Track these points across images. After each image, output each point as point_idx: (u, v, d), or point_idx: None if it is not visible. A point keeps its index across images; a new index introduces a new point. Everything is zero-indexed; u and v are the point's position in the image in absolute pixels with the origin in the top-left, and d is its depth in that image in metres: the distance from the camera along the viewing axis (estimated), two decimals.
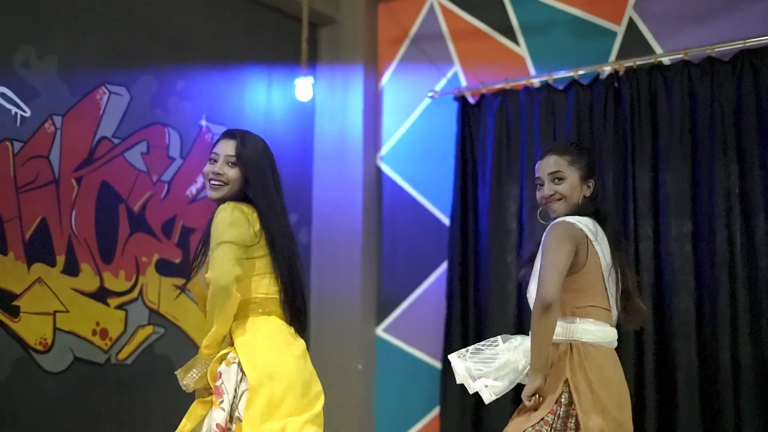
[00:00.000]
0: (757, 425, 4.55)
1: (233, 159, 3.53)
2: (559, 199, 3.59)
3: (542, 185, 3.64)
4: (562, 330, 3.44)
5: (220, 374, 3.34)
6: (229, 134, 3.60)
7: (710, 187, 4.81)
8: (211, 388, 3.37)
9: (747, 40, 4.76)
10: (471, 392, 3.51)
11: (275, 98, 5.97)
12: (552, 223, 3.54)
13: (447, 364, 5.50)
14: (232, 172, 3.53)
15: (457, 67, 5.94)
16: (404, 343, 5.96)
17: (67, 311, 4.60)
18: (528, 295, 3.60)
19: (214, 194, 3.55)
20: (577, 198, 3.61)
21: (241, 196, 3.52)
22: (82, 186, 4.73)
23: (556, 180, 3.60)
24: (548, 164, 3.63)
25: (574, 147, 3.70)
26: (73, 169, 4.69)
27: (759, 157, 4.70)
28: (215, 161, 3.54)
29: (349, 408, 5.92)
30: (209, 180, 3.55)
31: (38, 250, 4.51)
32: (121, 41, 4.99)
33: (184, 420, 3.35)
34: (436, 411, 5.71)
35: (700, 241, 4.83)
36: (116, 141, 4.91)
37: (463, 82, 5.89)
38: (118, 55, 4.97)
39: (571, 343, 3.42)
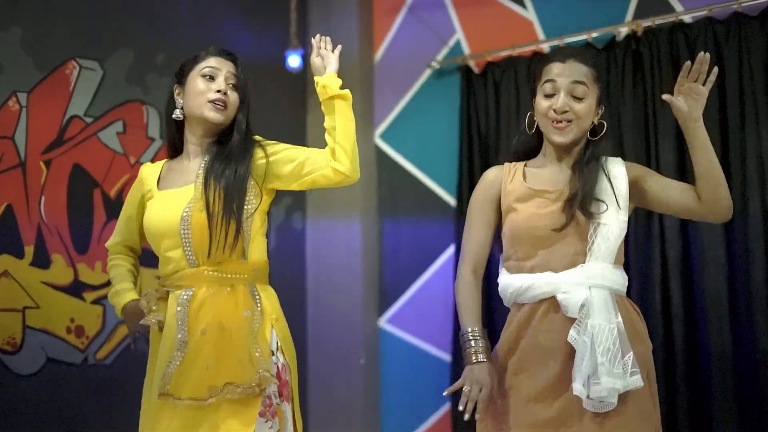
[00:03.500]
0: None
1: (234, 81, 3.16)
2: (571, 121, 2.93)
3: (554, 95, 2.94)
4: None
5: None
6: (225, 52, 3.21)
7: (741, 154, 4.58)
8: None
9: None
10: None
11: (265, 72, 5.69)
12: (629, 162, 3.05)
13: (457, 356, 5.32)
14: (234, 97, 3.15)
15: (459, 35, 5.70)
16: (410, 334, 5.75)
17: (38, 307, 4.41)
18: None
19: (217, 116, 3.10)
20: (587, 126, 2.98)
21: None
22: (52, 169, 4.53)
23: (578, 94, 2.94)
24: (573, 71, 2.94)
25: (597, 62, 3.10)
26: (41, 151, 4.50)
27: None
28: (213, 77, 3.13)
29: (353, 406, 5.74)
30: (211, 100, 3.10)
31: (4, 241, 4.33)
32: (94, 10, 4.78)
33: None
34: (447, 407, 5.50)
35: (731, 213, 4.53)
36: (89, 120, 4.71)
37: (467, 51, 5.65)
38: (90, 25, 4.76)
39: None
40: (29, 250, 4.38)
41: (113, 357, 4.69)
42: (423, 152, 5.82)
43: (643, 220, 4.79)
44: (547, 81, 2.94)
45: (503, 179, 3.07)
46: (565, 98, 2.90)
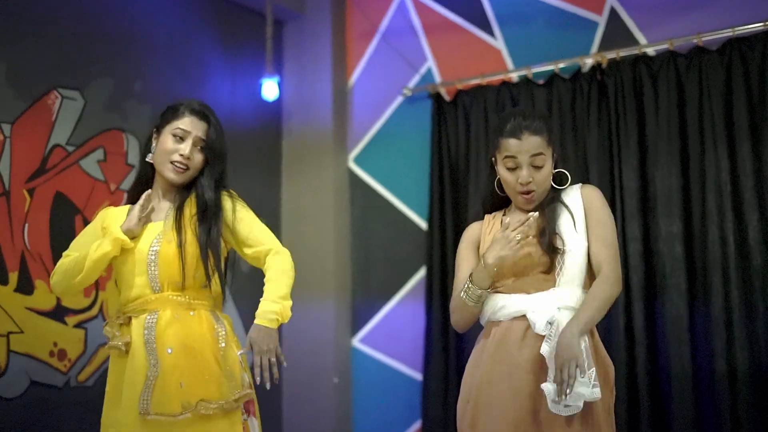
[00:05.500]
0: None
1: (203, 144, 3.30)
2: (534, 191, 3.09)
3: (515, 168, 3.08)
4: None
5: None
6: (200, 113, 3.34)
7: (701, 184, 4.65)
8: None
9: (736, 28, 4.59)
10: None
11: (240, 98, 5.74)
12: (585, 186, 3.16)
13: (428, 375, 5.38)
14: (199, 159, 3.30)
15: (430, 63, 5.73)
16: (382, 354, 5.75)
17: (22, 332, 4.34)
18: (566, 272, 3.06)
19: (176, 178, 3.28)
20: (549, 185, 3.14)
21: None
22: (35, 198, 4.48)
23: (537, 164, 3.08)
24: (530, 145, 3.05)
25: (546, 122, 3.17)
26: (24, 180, 4.44)
27: (751, 151, 4.52)
28: (182, 139, 3.27)
29: (326, 424, 5.71)
30: (173, 161, 3.26)
31: None
32: (74, 41, 4.74)
33: None
34: (417, 424, 5.52)
35: (691, 241, 4.67)
36: (70, 149, 4.67)
37: (438, 78, 5.68)
38: (71, 56, 4.72)
39: None
40: (13, 277, 4.31)
41: (94, 379, 4.65)
42: (395, 176, 5.81)
43: None
44: (507, 157, 3.08)
45: (482, 230, 3.25)
46: (527, 171, 3.06)
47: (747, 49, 4.57)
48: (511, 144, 3.07)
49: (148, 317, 3.17)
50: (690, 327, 4.60)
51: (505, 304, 3.06)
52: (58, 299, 4.51)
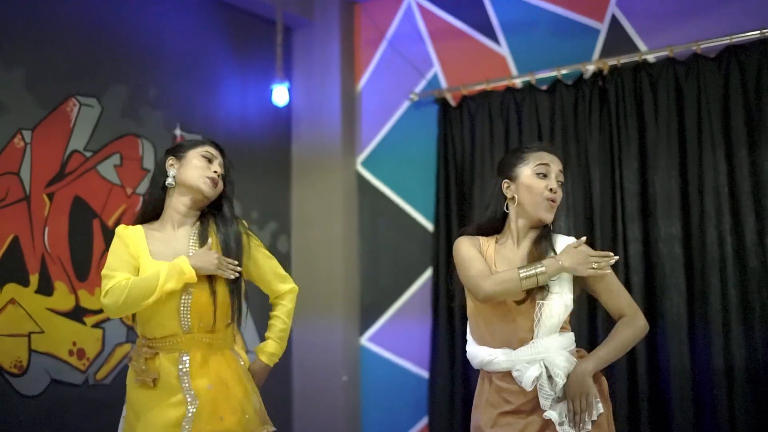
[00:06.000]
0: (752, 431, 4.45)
1: (222, 171, 3.48)
2: (555, 201, 3.20)
3: (546, 176, 3.20)
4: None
5: None
6: (218, 146, 3.53)
7: (699, 187, 4.73)
8: None
9: (733, 36, 4.68)
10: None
11: (251, 104, 5.85)
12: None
13: (434, 374, 5.46)
14: (220, 183, 3.46)
15: (436, 68, 5.83)
16: (390, 352, 5.85)
17: (42, 332, 4.46)
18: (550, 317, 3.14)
19: (210, 191, 3.41)
20: (555, 211, 3.27)
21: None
22: (54, 202, 4.59)
23: (560, 183, 3.25)
24: (558, 162, 3.24)
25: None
26: (44, 185, 4.56)
27: (747, 155, 4.61)
28: (210, 161, 3.44)
29: (335, 421, 5.80)
30: (209, 177, 3.39)
31: (10, 270, 4.37)
32: (91, 50, 4.86)
33: None
34: (424, 421, 5.61)
35: (690, 242, 4.75)
36: (88, 154, 4.79)
37: (444, 84, 5.78)
38: (88, 64, 4.84)
39: None
40: (34, 279, 4.42)
41: (112, 377, 4.75)
42: (402, 179, 5.90)
43: (608, 248, 4.76)
44: (541, 164, 3.20)
45: (480, 244, 3.29)
46: (556, 183, 3.19)
47: (744, 56, 4.67)
48: (545, 155, 3.23)
49: (181, 356, 3.27)
50: (689, 326, 4.68)
51: (492, 360, 3.16)
52: (76, 300, 4.62)
